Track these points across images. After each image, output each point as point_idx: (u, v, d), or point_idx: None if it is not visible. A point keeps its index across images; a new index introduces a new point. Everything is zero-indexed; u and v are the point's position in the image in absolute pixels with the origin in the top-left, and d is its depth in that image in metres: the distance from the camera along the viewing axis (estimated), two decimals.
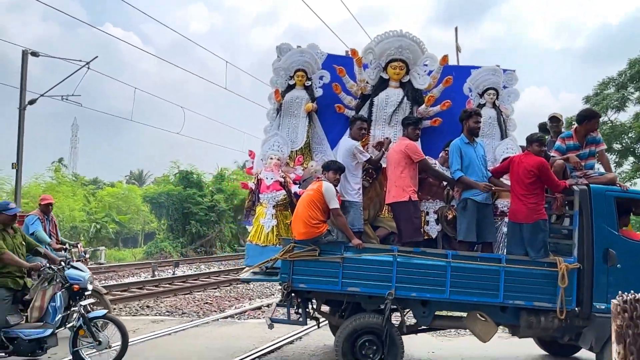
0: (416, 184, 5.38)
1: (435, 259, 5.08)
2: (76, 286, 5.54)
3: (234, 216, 38.99)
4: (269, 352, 6.50)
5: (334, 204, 5.11)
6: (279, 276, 5.28)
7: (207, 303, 11.57)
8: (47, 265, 5.67)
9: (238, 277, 5.47)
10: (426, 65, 6.11)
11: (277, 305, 6.16)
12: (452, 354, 6.51)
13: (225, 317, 9.38)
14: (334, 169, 5.27)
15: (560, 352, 6.30)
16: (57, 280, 5.52)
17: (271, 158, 5.95)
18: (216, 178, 40.33)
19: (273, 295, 13.10)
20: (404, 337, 6.27)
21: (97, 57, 17.27)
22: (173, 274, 17.73)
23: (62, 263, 5.71)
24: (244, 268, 6.06)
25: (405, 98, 5.97)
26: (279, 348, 6.76)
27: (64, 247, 7.49)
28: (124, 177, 46.83)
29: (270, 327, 5.48)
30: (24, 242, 5.84)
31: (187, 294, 12.98)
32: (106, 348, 5.51)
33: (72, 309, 5.62)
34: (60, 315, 5.51)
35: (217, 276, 16.97)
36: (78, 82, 17.95)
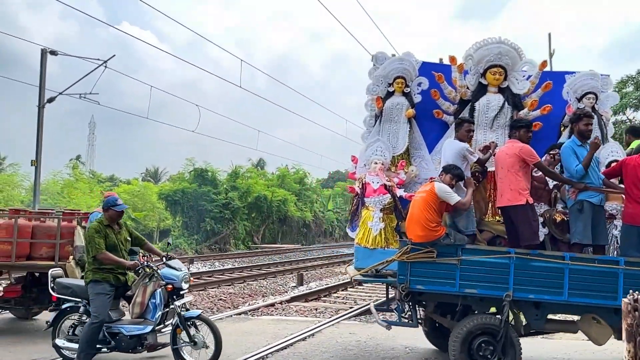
0: (529, 187, 5.48)
1: (552, 260, 5.20)
2: (170, 286, 5.60)
3: (247, 214, 39.18)
4: (281, 349, 6.59)
5: (454, 199, 5.21)
6: (395, 278, 5.40)
7: (220, 299, 11.76)
8: (145, 264, 5.73)
9: (351, 279, 5.54)
10: (525, 70, 6.25)
11: (376, 308, 6.29)
12: None
13: (239, 314, 9.55)
14: (453, 174, 5.36)
15: None
16: (156, 277, 5.62)
17: (375, 162, 6.09)
18: (230, 176, 40.52)
19: (286, 292, 13.30)
20: (420, 336, 6.38)
21: (114, 55, 17.37)
22: (187, 271, 17.85)
23: (164, 258, 5.80)
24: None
25: (506, 103, 6.09)
26: (291, 345, 6.84)
27: None
28: (140, 174, 47.14)
29: (388, 328, 5.60)
30: (129, 238, 5.93)
31: (201, 290, 13.14)
32: (201, 348, 5.54)
33: (171, 306, 5.70)
34: (160, 312, 5.59)
35: (230, 273, 17.16)
36: (95, 80, 18.13)
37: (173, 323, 5.62)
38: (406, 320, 5.72)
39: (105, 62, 17.55)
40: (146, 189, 36.83)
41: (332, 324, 8.41)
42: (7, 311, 8.21)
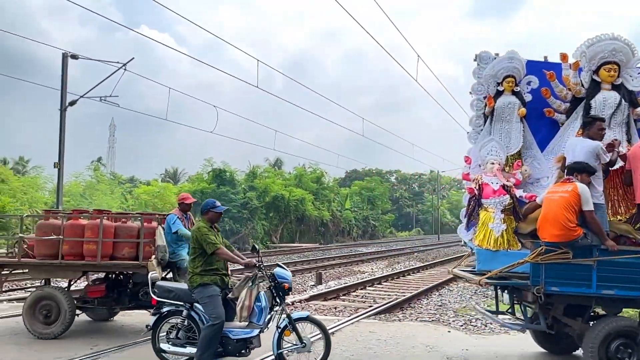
0: None
1: None
2: (286, 284, 5.54)
3: (266, 213, 39.19)
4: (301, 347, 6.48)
5: (589, 206, 5.14)
6: (524, 280, 5.34)
7: None
8: (258, 263, 5.66)
9: (479, 282, 5.45)
10: (639, 67, 6.17)
11: (490, 311, 6.21)
12: (486, 351, 6.59)
13: None
14: (589, 172, 5.29)
15: None
16: (260, 279, 5.54)
17: (492, 163, 6.01)
18: (248, 176, 40.59)
19: (305, 291, 13.33)
20: (440, 335, 6.20)
21: (133, 58, 17.66)
22: None
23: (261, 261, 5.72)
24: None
25: (623, 100, 6.02)
26: (311, 343, 6.72)
27: None
28: (159, 175, 47.22)
29: (523, 331, 5.53)
30: (222, 242, 5.86)
31: None
32: (308, 351, 5.49)
33: (275, 309, 5.63)
34: (268, 316, 5.54)
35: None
36: (115, 83, 18.21)
37: (280, 325, 5.55)
38: (532, 323, 5.66)
39: (124, 65, 17.66)
40: (166, 190, 36.83)
41: (352, 323, 8.40)
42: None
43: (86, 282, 8.26)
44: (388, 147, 39.79)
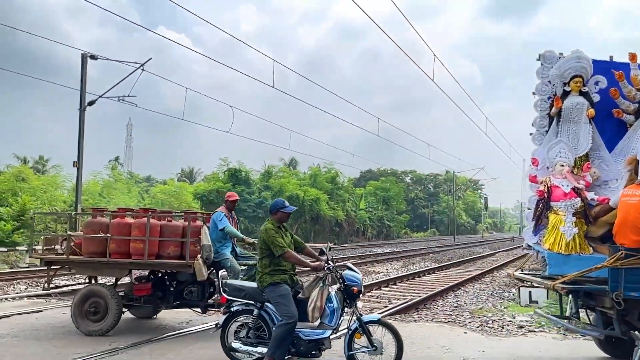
0: None
1: None
2: (355, 288, 5.45)
3: None
4: None
5: None
6: (600, 285, 5.21)
7: None
8: (329, 265, 5.55)
9: (552, 287, 5.31)
10: None
11: (556, 317, 6.06)
12: (503, 353, 6.48)
13: None
14: None
15: None
16: (331, 280, 5.44)
17: (562, 165, 5.88)
18: (263, 175, 40.64)
19: None
20: (456, 336, 6.16)
21: (151, 58, 17.77)
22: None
23: (330, 262, 5.62)
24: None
25: None
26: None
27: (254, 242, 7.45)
28: (176, 174, 47.39)
29: (600, 337, 5.41)
30: (292, 241, 5.77)
31: None
32: (380, 354, 5.38)
33: (347, 310, 5.55)
34: (341, 318, 5.48)
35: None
36: (133, 83, 18.31)
37: (350, 327, 5.47)
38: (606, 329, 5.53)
39: (142, 65, 17.76)
40: (182, 189, 37.03)
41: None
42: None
43: (129, 280, 8.23)
44: (403, 147, 39.75)
